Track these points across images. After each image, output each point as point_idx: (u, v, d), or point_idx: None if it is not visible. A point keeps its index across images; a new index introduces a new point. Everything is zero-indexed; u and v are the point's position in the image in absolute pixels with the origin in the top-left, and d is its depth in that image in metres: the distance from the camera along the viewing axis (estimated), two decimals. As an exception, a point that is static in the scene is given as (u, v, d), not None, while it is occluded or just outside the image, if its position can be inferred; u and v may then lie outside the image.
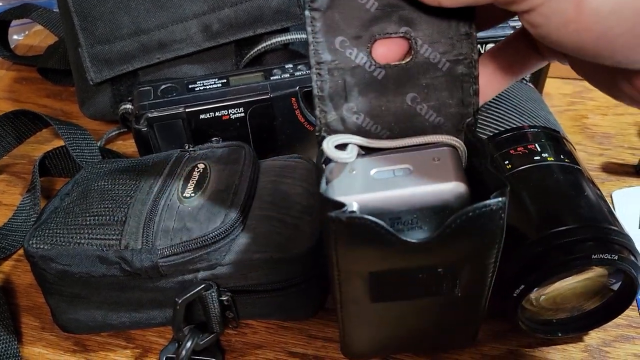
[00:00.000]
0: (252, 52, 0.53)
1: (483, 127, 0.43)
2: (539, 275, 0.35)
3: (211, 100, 0.47)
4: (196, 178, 0.41)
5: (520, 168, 0.39)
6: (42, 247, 0.38)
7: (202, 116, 0.47)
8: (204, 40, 0.53)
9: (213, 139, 0.46)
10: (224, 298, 0.39)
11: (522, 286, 0.35)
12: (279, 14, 0.52)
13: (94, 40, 0.53)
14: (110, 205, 0.40)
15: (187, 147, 0.45)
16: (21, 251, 0.49)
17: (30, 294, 0.46)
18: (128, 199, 0.41)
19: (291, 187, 0.42)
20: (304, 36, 0.53)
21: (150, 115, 0.47)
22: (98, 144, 0.54)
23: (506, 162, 0.40)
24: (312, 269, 0.39)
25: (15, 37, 0.78)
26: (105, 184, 0.43)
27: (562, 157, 0.40)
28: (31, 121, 0.54)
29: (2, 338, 0.42)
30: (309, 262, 0.39)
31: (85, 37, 0.53)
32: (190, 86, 0.48)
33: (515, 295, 0.36)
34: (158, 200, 0.40)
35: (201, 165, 0.43)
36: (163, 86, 0.48)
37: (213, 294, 0.38)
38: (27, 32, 0.77)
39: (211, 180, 0.41)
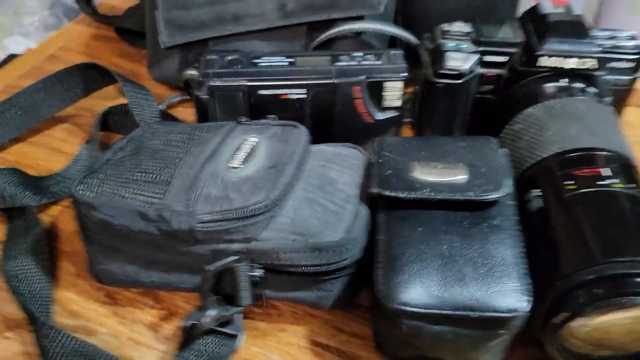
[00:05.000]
0: (323, 36, 0.52)
1: (548, 143, 0.41)
2: (583, 306, 0.33)
3: (273, 77, 0.47)
4: (246, 150, 0.41)
5: (583, 190, 0.37)
6: (87, 194, 0.39)
7: (262, 92, 0.47)
8: (277, 18, 0.53)
9: (269, 116, 0.46)
10: (256, 274, 0.38)
11: (564, 314, 0.33)
12: (356, 0, 0.51)
13: (171, 4, 0.54)
14: (159, 165, 0.41)
15: (243, 120, 0.45)
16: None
17: (72, 240, 0.47)
18: (177, 160, 0.41)
19: (339, 174, 0.41)
20: (377, 27, 0.52)
21: (212, 84, 0.47)
22: (159, 107, 0.54)
23: (569, 182, 0.38)
24: (347, 261, 0.38)
25: (101, -5, 0.80)
26: (158, 143, 0.43)
27: (631, 185, 0.37)
28: (100, 75, 0.55)
29: (39, 278, 0.43)
30: (344, 252, 0.37)
31: (164, 0, 0.54)
32: (255, 61, 0.48)
33: (554, 322, 0.34)
34: (205, 166, 0.40)
35: (253, 139, 0.42)
36: (230, 57, 0.48)
37: (244, 267, 0.37)
38: (112, -7, 0.79)
39: (260, 155, 0.41)
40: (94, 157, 0.52)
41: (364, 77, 0.46)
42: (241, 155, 0.41)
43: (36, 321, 0.39)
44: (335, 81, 0.46)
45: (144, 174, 0.40)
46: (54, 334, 0.38)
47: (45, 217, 0.49)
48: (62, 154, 0.55)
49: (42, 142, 0.56)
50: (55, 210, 0.50)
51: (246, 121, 0.45)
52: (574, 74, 0.46)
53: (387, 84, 0.47)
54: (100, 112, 0.54)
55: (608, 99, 0.47)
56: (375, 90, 0.47)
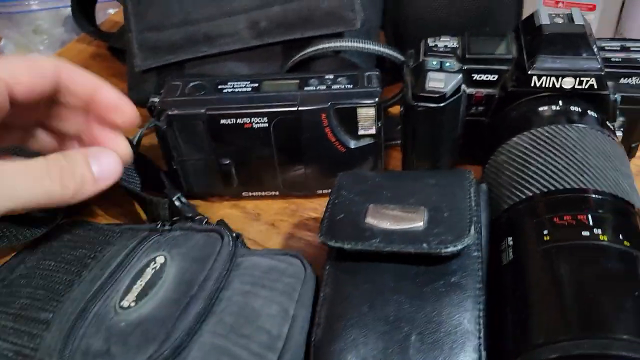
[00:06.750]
0: (297, 56, 0.48)
1: (531, 181, 0.35)
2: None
3: (234, 105, 0.43)
4: (147, 278, 0.34)
5: (559, 244, 0.31)
6: None
7: (222, 121, 0.43)
8: (251, 38, 0.49)
9: (197, 217, 0.41)
10: None
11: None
12: (329, 16, 0.46)
13: (143, 26, 0.51)
14: (41, 296, 0.34)
15: (160, 225, 0.39)
16: None
17: None
18: (64, 291, 0.34)
19: (266, 304, 0.33)
20: (356, 44, 0.47)
21: (170, 112, 0.43)
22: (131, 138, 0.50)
23: (545, 232, 0.32)
24: None
25: (110, 10, 0.79)
26: (53, 260, 0.37)
27: (621, 238, 0.31)
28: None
29: None
30: None
31: (136, 22, 0.51)
32: (219, 87, 0.45)
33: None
34: (92, 303, 0.33)
35: (160, 259, 0.36)
36: (192, 83, 0.45)
37: None
38: (118, 9, 0.78)
39: (165, 283, 0.34)
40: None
41: (330, 103, 0.42)
42: (139, 286, 0.34)
43: None
44: (300, 108, 0.42)
45: (22, 310, 0.34)
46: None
47: None
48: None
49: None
50: None
51: (166, 226, 0.39)
52: (573, 95, 0.39)
53: (359, 110, 0.42)
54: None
55: (618, 123, 0.41)
56: (346, 117, 0.43)
